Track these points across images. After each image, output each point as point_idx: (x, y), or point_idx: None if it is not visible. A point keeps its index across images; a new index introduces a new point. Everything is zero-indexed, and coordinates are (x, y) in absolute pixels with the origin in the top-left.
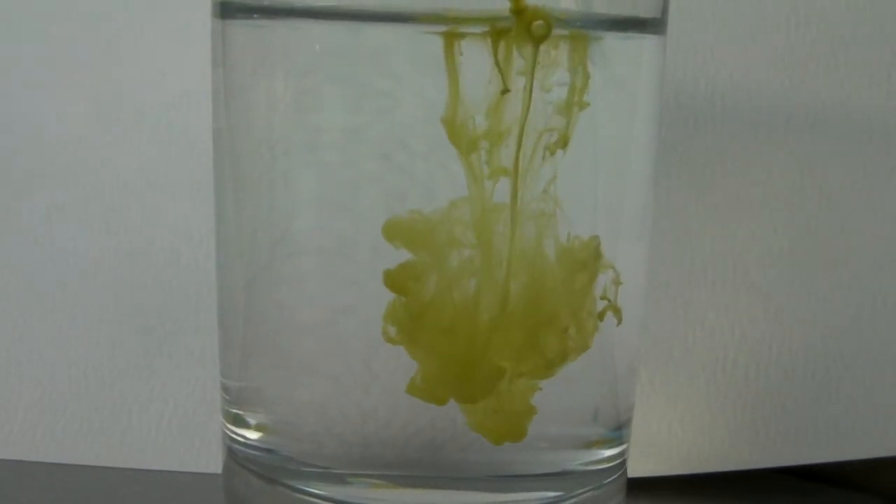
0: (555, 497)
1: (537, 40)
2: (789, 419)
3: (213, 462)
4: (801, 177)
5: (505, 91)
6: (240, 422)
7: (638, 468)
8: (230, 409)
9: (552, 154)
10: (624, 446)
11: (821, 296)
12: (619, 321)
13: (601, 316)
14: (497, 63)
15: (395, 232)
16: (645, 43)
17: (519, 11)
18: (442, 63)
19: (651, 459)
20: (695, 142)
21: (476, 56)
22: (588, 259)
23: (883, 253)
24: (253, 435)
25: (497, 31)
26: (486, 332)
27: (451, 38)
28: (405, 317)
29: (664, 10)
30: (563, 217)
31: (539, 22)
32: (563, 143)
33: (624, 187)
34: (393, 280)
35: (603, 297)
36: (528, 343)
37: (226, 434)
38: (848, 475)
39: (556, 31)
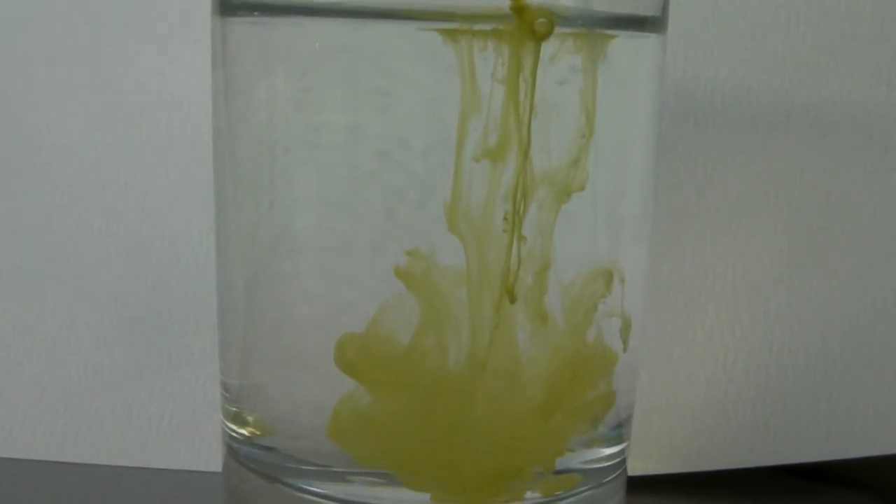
0: (555, 496)
1: (539, 38)
2: (789, 418)
3: (213, 460)
4: (801, 176)
5: (505, 225)
6: (240, 420)
7: (638, 467)
8: (230, 408)
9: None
10: (624, 445)
11: (821, 295)
12: (626, 348)
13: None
14: (512, 63)
15: (405, 279)
16: (645, 42)
17: (519, 9)
18: (441, 61)
19: (651, 458)
20: (695, 140)
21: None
22: (598, 299)
23: (883, 252)
24: (253, 433)
25: (498, 30)
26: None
27: (459, 40)
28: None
29: (664, 9)
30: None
31: (542, 20)
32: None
33: (624, 187)
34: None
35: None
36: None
37: (226, 432)
38: (848, 474)
39: (558, 30)
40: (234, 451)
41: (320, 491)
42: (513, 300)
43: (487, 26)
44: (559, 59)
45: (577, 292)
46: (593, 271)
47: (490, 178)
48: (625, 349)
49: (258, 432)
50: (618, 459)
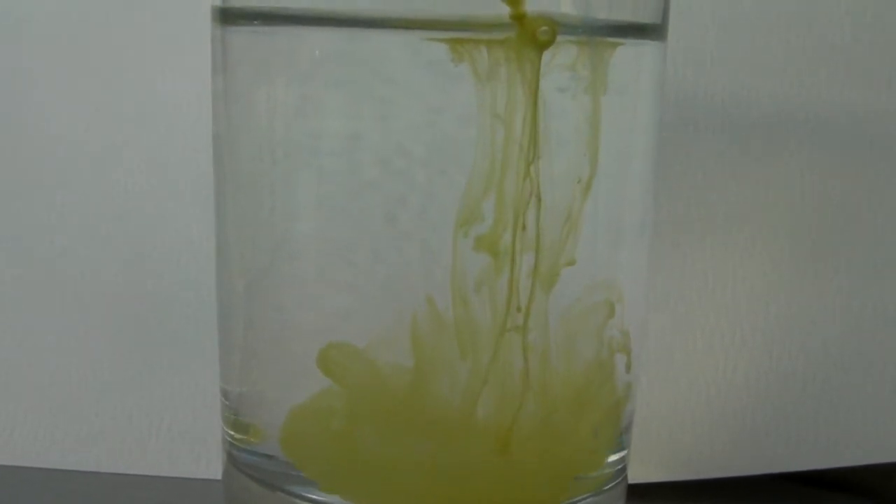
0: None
1: (542, 46)
2: (790, 425)
3: (213, 467)
4: (801, 182)
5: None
6: (240, 427)
7: (638, 474)
8: (230, 415)
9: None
10: (624, 452)
11: (821, 301)
12: (629, 367)
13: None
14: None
15: (414, 343)
16: (645, 49)
17: (519, 18)
18: (441, 69)
19: (651, 464)
20: (694, 147)
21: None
22: (601, 332)
23: (884, 258)
24: (253, 440)
25: (500, 39)
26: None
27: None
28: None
29: (664, 16)
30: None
31: (544, 28)
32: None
33: (624, 193)
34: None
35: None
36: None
37: (226, 439)
38: (849, 481)
39: (559, 38)
40: (235, 458)
41: (320, 499)
42: (504, 450)
43: (488, 36)
44: (558, 75)
45: (578, 325)
46: (594, 304)
47: (488, 266)
48: (628, 369)
49: (258, 439)
50: (618, 467)
